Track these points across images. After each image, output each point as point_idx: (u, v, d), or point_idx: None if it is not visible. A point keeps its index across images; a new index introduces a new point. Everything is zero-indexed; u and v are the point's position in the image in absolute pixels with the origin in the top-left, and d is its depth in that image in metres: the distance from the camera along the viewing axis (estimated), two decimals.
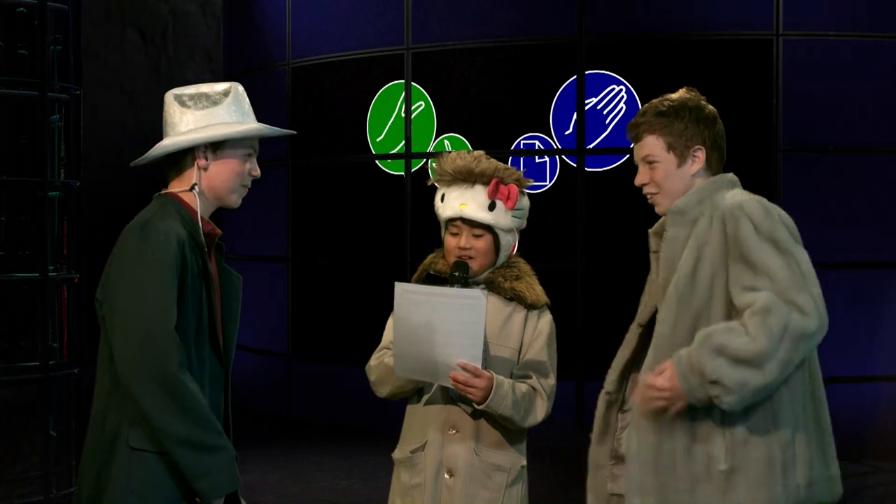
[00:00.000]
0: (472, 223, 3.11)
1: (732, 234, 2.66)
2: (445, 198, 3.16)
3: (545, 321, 3.20)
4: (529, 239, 7.54)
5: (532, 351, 3.16)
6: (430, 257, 3.27)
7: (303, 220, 9.12)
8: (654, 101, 2.89)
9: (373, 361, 3.21)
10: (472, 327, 2.91)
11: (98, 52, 11.58)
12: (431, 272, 3.20)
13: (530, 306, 3.17)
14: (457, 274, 3.10)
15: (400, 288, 2.98)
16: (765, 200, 2.73)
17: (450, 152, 3.22)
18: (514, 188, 3.11)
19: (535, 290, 3.19)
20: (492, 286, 3.15)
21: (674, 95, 2.89)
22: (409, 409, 3.21)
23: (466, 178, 3.12)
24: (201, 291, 2.65)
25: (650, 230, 2.94)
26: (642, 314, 2.91)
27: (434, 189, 3.28)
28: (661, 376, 2.69)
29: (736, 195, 2.76)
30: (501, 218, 3.11)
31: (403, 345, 2.98)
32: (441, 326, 2.93)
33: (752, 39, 7.63)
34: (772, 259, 2.60)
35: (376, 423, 8.21)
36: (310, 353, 9.06)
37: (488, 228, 3.11)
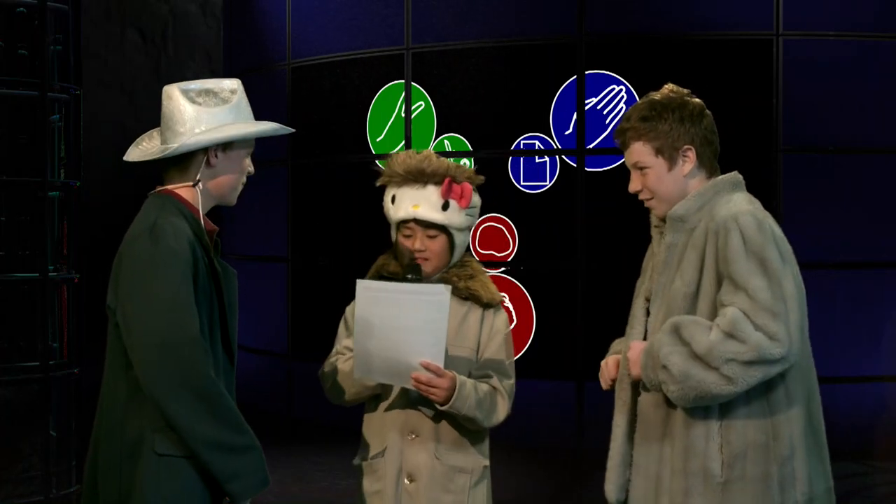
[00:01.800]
0: (425, 224, 3.07)
1: (722, 247, 2.60)
2: (396, 199, 3.12)
3: (501, 320, 3.15)
4: (530, 238, 7.58)
5: (490, 350, 3.10)
6: (381, 259, 3.23)
7: (303, 220, 9.12)
8: (638, 103, 2.83)
9: (326, 368, 3.15)
10: (435, 325, 2.87)
11: (98, 52, 11.57)
12: (384, 274, 3.16)
13: (486, 305, 3.12)
14: (410, 277, 3.05)
15: (361, 285, 2.92)
16: (760, 213, 2.67)
17: (398, 153, 3.16)
18: (468, 186, 3.07)
19: (489, 288, 3.15)
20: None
21: (656, 95, 2.81)
22: (367, 416, 3.16)
23: (418, 178, 3.07)
24: (211, 290, 2.63)
25: None
26: (648, 289, 2.84)
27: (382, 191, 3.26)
28: (636, 344, 2.72)
29: (734, 203, 2.69)
30: (455, 217, 3.07)
31: (363, 344, 2.91)
32: (403, 324, 2.87)
33: (752, 39, 7.63)
34: (755, 278, 2.54)
35: None
36: (310, 353, 9.06)
37: (442, 229, 3.07)
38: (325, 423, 8.57)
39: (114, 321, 2.61)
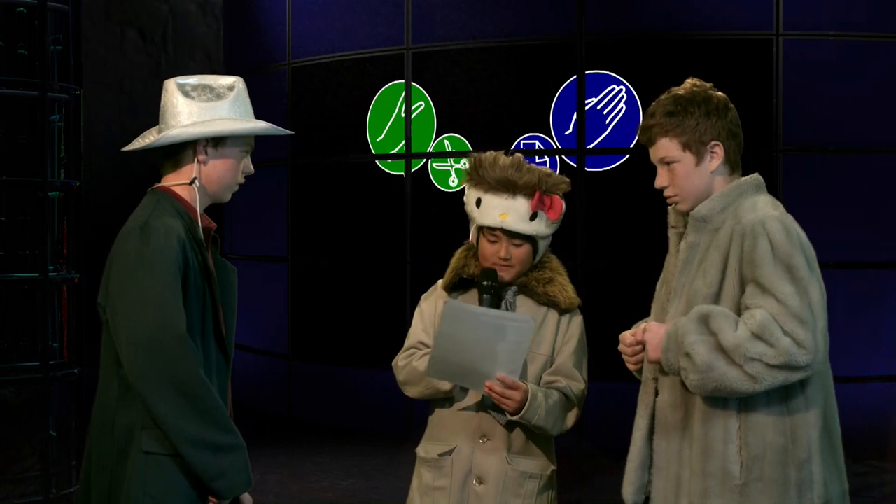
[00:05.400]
0: (512, 234, 3.05)
1: (749, 252, 2.60)
2: (483, 204, 3.06)
3: (576, 324, 3.15)
4: None
5: (563, 356, 3.11)
6: (460, 257, 3.19)
7: (303, 220, 9.12)
8: (662, 98, 2.80)
9: (400, 361, 3.17)
10: (517, 346, 2.90)
11: (98, 52, 11.58)
12: (464, 276, 3.14)
13: (563, 311, 3.13)
14: (486, 283, 3.05)
15: (450, 305, 2.90)
16: (787, 219, 2.66)
17: (485, 154, 3.10)
18: (558, 200, 3.05)
19: (567, 291, 3.14)
20: (525, 290, 3.11)
21: (680, 90, 2.79)
22: (437, 412, 3.18)
23: (508, 188, 3.03)
24: (203, 287, 2.63)
25: (671, 207, 2.87)
26: (668, 291, 2.83)
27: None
28: (656, 328, 2.70)
29: (760, 207, 2.68)
30: (542, 227, 3.06)
31: (442, 353, 2.93)
32: (485, 344, 2.89)
33: (752, 39, 7.63)
34: (783, 284, 2.54)
35: (376, 424, 8.22)
36: (310, 353, 9.07)
37: (528, 238, 3.07)
38: (325, 423, 8.57)
39: (104, 319, 2.62)
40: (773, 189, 7.39)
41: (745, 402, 2.62)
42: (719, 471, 2.63)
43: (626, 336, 2.82)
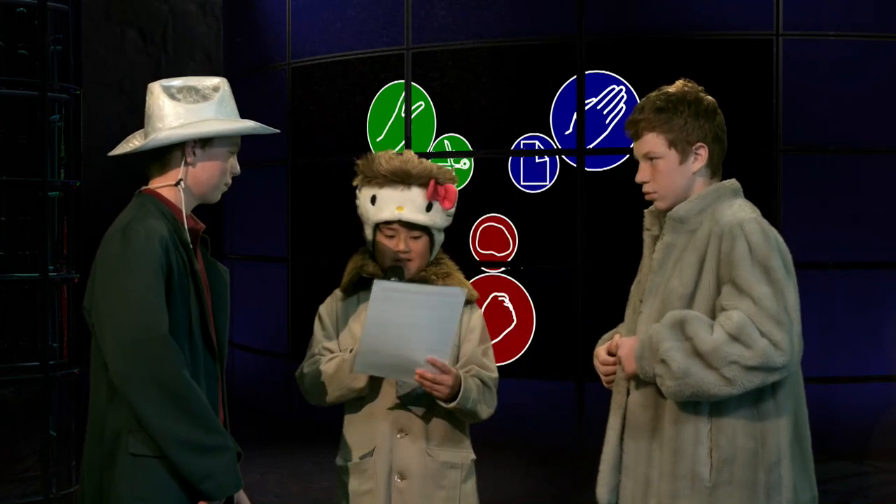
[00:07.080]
0: (410, 226, 3.08)
1: (726, 253, 2.61)
2: (378, 200, 3.10)
3: (476, 316, 3.18)
4: (530, 238, 7.57)
5: (468, 346, 3.13)
6: (356, 260, 3.22)
7: (303, 220, 9.12)
8: (652, 95, 2.81)
9: (306, 369, 3.15)
10: (447, 324, 2.90)
11: (98, 52, 11.58)
12: (364, 276, 3.16)
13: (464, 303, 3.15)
14: (393, 280, 3.07)
15: (379, 286, 2.90)
16: (764, 222, 2.68)
17: (377, 153, 3.15)
18: (452, 188, 3.10)
19: (465, 284, 3.18)
20: (425, 284, 3.13)
21: (671, 89, 2.80)
22: (349, 417, 3.18)
23: (403, 179, 3.07)
24: (189, 289, 2.62)
25: (647, 210, 2.89)
26: (641, 291, 2.85)
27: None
28: (627, 341, 2.71)
29: (738, 210, 2.69)
30: (438, 218, 3.10)
31: (371, 341, 2.91)
32: (415, 323, 2.89)
33: (752, 39, 7.63)
34: (760, 286, 2.55)
35: None
36: None
37: (425, 229, 3.09)
38: (325, 423, 8.56)
39: (90, 322, 2.62)
40: (772, 189, 7.45)
41: (716, 405, 2.62)
42: (689, 473, 2.63)
43: (601, 353, 2.85)
